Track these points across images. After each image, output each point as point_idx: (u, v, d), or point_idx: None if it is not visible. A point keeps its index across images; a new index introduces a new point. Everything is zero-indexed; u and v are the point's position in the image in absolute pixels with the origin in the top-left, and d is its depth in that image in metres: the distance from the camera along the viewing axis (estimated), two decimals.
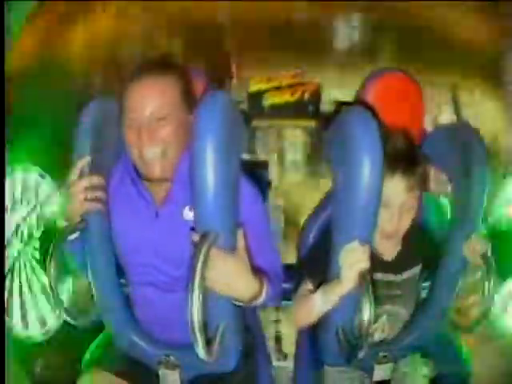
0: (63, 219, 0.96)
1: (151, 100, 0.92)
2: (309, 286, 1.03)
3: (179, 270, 0.97)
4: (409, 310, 1.12)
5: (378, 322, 1.08)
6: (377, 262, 1.02)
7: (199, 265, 0.76)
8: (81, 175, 0.95)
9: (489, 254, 0.99)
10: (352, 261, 0.89)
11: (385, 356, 1.09)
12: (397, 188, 0.96)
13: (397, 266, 1.08)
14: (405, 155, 0.97)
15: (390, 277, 1.07)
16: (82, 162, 0.95)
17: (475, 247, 1.00)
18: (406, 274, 1.09)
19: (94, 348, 1.14)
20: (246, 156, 1.02)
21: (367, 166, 0.85)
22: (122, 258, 1.03)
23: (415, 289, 1.12)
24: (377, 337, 1.10)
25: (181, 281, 0.95)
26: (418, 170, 0.98)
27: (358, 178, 0.86)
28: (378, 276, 1.05)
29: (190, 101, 0.97)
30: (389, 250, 1.05)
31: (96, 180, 0.95)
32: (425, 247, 1.09)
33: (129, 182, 1.02)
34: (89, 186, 0.94)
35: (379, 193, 0.88)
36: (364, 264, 0.89)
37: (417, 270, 1.11)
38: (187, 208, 0.95)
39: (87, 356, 1.11)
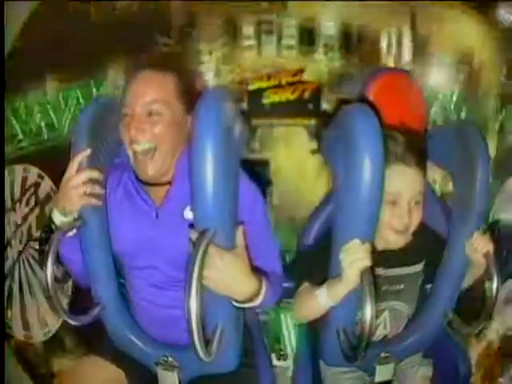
0: (61, 214, 0.94)
1: (144, 95, 0.93)
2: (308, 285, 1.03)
3: (179, 271, 0.95)
4: (411, 307, 1.11)
5: (380, 317, 1.08)
6: (379, 258, 1.02)
7: (197, 262, 0.75)
8: (79, 169, 0.94)
9: (492, 253, 0.98)
10: (353, 259, 0.89)
11: (387, 356, 1.08)
12: (411, 180, 0.97)
13: (399, 260, 1.07)
14: (418, 148, 0.99)
15: (393, 271, 1.07)
16: (80, 156, 0.94)
17: (478, 246, 1.00)
18: (408, 270, 1.08)
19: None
20: (246, 155, 1.02)
21: (368, 164, 0.84)
22: (121, 259, 1.03)
23: (417, 285, 1.11)
24: (379, 333, 1.10)
25: (180, 281, 0.94)
26: (426, 164, 1.00)
27: (359, 176, 0.85)
28: (380, 271, 1.05)
29: (188, 101, 0.97)
30: (400, 245, 1.03)
31: (94, 174, 0.95)
32: (428, 244, 1.09)
33: (129, 183, 1.02)
34: (86, 180, 0.92)
35: (380, 190, 0.87)
36: (365, 262, 0.88)
37: (420, 266, 1.10)
38: (188, 208, 0.94)
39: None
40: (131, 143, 0.94)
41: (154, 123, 0.93)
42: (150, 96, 0.93)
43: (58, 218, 0.95)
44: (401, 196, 0.98)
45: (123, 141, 0.97)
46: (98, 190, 0.95)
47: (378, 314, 1.06)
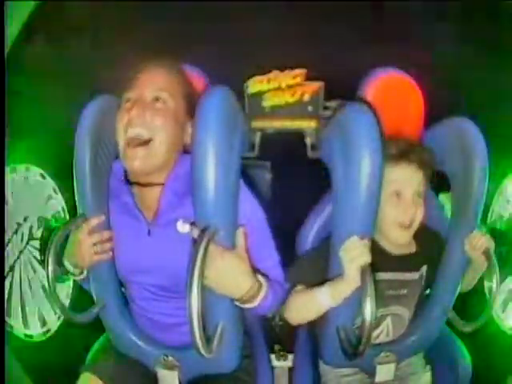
0: (72, 266, 0.99)
1: (155, 81, 0.93)
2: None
3: (174, 284, 0.96)
4: (411, 312, 1.11)
5: (383, 324, 1.08)
6: (386, 261, 1.02)
7: (198, 260, 0.75)
8: (90, 231, 0.95)
9: (492, 250, 0.99)
10: (352, 255, 0.89)
11: (387, 356, 1.08)
12: (411, 176, 0.99)
13: (405, 265, 1.07)
14: (419, 148, 1.02)
15: (396, 275, 1.07)
16: (94, 220, 0.95)
17: (477, 243, 1.00)
18: (412, 275, 1.08)
19: (94, 351, 1.13)
20: (246, 157, 1.02)
21: (367, 160, 0.85)
22: (118, 272, 1.03)
23: (420, 290, 1.11)
24: (381, 340, 1.09)
25: (178, 292, 0.95)
26: (428, 164, 1.02)
27: (358, 172, 0.86)
28: (387, 275, 1.05)
29: (190, 105, 0.95)
30: (405, 242, 1.04)
31: (106, 235, 0.96)
32: (431, 246, 1.09)
33: (122, 194, 1.00)
34: (98, 241, 0.95)
35: (379, 186, 0.88)
36: (365, 258, 0.88)
37: (423, 270, 1.10)
38: (181, 220, 0.91)
39: (88, 359, 1.11)
40: (126, 128, 0.91)
41: (157, 111, 0.91)
42: (160, 83, 0.93)
43: (70, 267, 1.00)
44: (404, 187, 0.99)
45: (117, 130, 0.93)
46: (108, 246, 0.97)
47: (380, 321, 1.06)
